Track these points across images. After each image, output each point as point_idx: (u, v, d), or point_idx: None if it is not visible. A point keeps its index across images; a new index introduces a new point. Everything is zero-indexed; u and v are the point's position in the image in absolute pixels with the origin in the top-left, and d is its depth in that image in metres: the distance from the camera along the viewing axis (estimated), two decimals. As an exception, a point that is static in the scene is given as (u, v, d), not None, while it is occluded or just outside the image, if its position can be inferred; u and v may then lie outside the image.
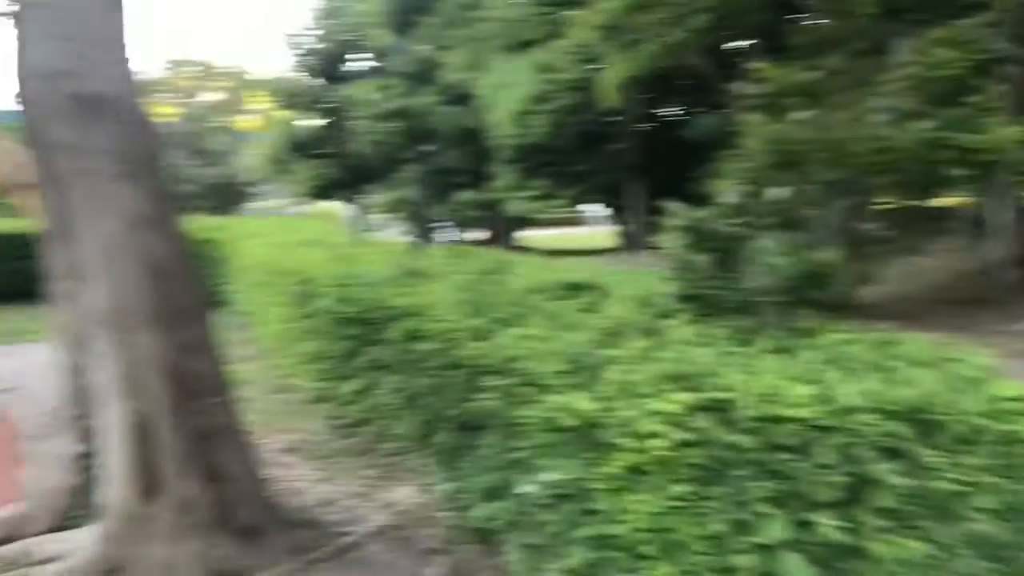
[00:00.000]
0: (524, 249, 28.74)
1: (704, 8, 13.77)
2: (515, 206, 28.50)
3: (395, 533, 5.29)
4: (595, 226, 38.12)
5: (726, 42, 19.98)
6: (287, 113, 31.64)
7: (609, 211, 32.24)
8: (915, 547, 3.55)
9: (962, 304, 16.08)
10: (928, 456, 3.62)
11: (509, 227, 32.64)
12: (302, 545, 5.05)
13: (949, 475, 3.64)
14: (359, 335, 6.71)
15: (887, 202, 16.32)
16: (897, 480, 3.55)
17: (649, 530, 3.34)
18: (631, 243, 28.70)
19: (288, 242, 11.84)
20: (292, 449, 6.98)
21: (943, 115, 4.37)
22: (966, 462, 3.71)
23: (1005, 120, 6.54)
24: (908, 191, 9.47)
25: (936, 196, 20.06)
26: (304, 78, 30.77)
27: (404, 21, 30.23)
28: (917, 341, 4.46)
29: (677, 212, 5.23)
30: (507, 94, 24.66)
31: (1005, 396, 3.87)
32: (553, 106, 23.81)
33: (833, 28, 6.13)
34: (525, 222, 33.95)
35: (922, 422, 3.65)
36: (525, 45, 25.03)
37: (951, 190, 20.00)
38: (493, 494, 4.37)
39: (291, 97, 30.25)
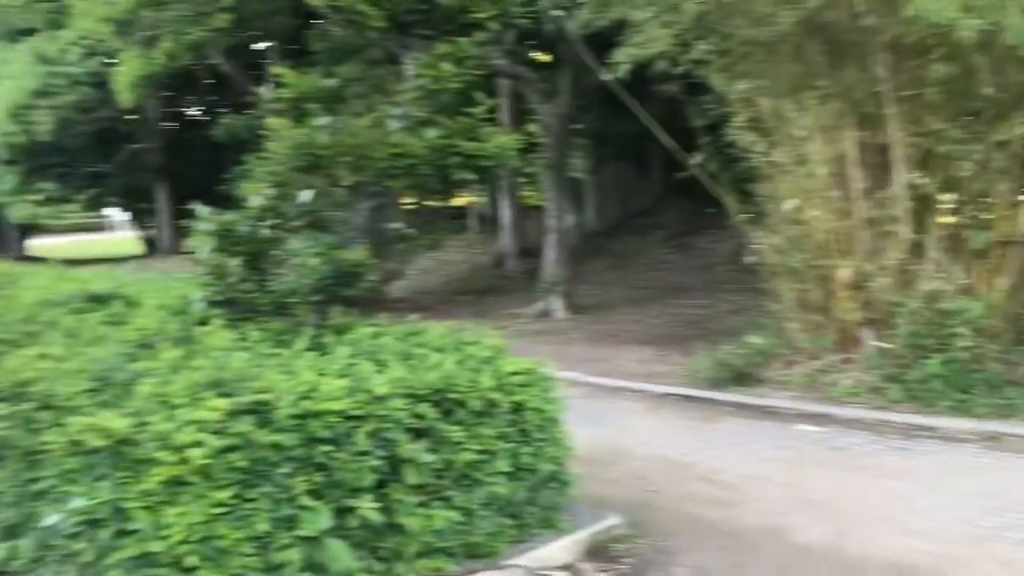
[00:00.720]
0: (35, 259, 25.82)
1: (223, 8, 13.52)
2: (19, 211, 25.52)
3: None
4: (120, 232, 35.51)
5: (250, 43, 19.83)
6: None
7: (132, 215, 30.28)
8: (444, 516, 3.91)
9: (479, 293, 17.82)
10: (451, 432, 4.01)
11: (16, 235, 29.14)
12: None
13: (470, 446, 4.07)
14: None
15: (410, 202, 17.49)
16: (426, 457, 3.88)
17: (192, 541, 3.27)
18: (159, 249, 27.29)
19: None
20: None
21: (450, 124, 4.89)
22: (484, 433, 4.18)
23: (502, 129, 7.45)
24: (425, 192, 10.34)
25: (453, 196, 21.94)
26: None
27: None
28: (438, 329, 4.89)
29: (206, 216, 5.12)
30: (3, 87, 21.94)
31: (512, 371, 4.42)
32: (59, 102, 21.70)
33: (349, 37, 6.51)
34: (33, 229, 30.56)
35: (445, 401, 4.03)
36: (22, 33, 22.47)
37: (465, 190, 22.01)
38: (11, 532, 3.93)
39: None
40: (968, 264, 7.72)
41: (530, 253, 18.35)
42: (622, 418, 7.66)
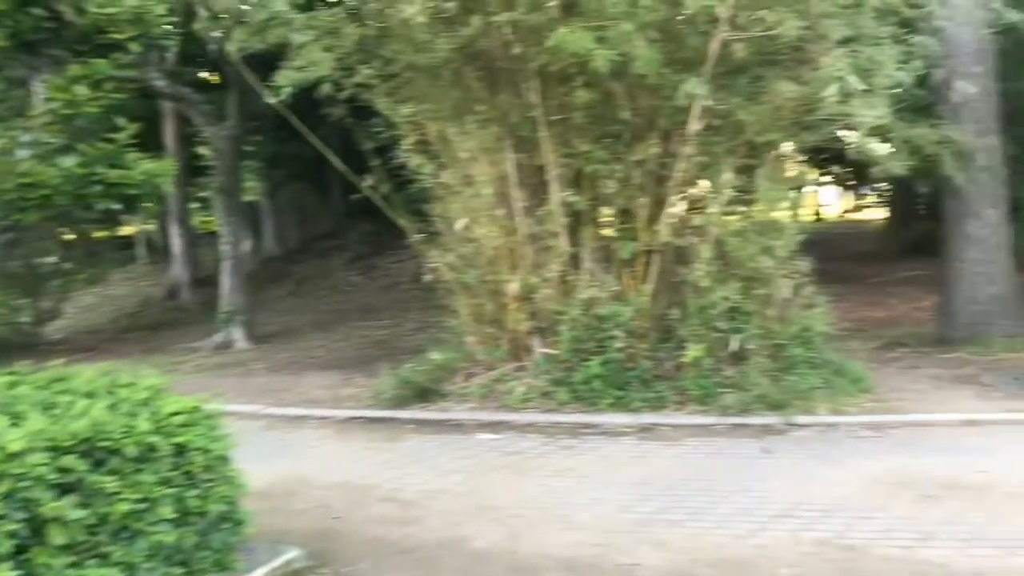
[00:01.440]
0: None
1: None
2: None
3: None
4: None
5: None
6: None
7: None
8: (101, 574, 3.60)
9: (151, 328, 16.75)
10: (105, 483, 3.70)
11: None
12: None
13: (127, 496, 3.78)
14: None
15: (67, 234, 16.04)
16: (76, 513, 3.54)
17: None
18: None
19: None
20: None
21: (89, 150, 4.50)
22: (143, 480, 3.90)
23: (162, 153, 7.01)
24: (67, 224, 9.55)
25: (117, 225, 20.45)
26: None
27: None
28: (88, 373, 4.50)
29: None
30: None
31: (172, 412, 4.17)
32: None
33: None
34: None
35: (95, 451, 3.71)
36: None
37: (131, 218, 20.58)
38: None
39: None
40: (618, 272, 8.46)
41: (207, 282, 17.56)
42: (305, 447, 7.51)
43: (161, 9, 5.13)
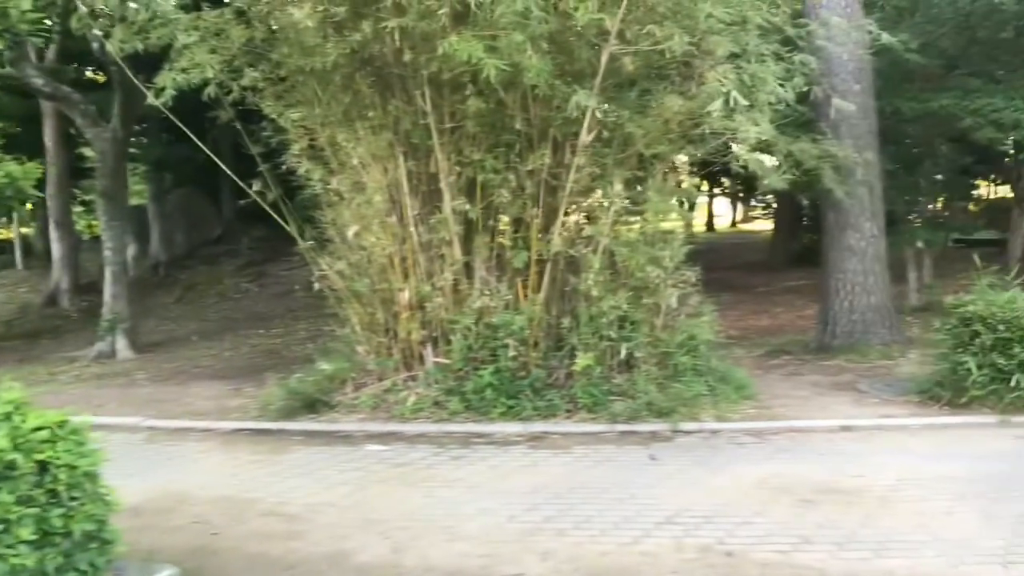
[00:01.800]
0: None
1: None
2: None
3: None
4: None
5: None
6: None
7: None
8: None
9: (28, 336, 16.01)
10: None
11: None
12: None
13: (-16, 517, 3.57)
14: None
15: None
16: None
17: None
18: None
19: None
20: None
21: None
22: (1, 500, 3.69)
23: (20, 157, 6.69)
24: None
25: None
26: None
27: None
28: (-60, 386, 4.24)
29: None
30: None
31: (35, 427, 3.95)
32: None
33: None
34: None
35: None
36: None
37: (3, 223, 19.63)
38: None
39: None
40: (511, 281, 8.46)
41: (89, 289, 16.90)
42: (186, 461, 7.25)
43: (27, 4, 4.85)
